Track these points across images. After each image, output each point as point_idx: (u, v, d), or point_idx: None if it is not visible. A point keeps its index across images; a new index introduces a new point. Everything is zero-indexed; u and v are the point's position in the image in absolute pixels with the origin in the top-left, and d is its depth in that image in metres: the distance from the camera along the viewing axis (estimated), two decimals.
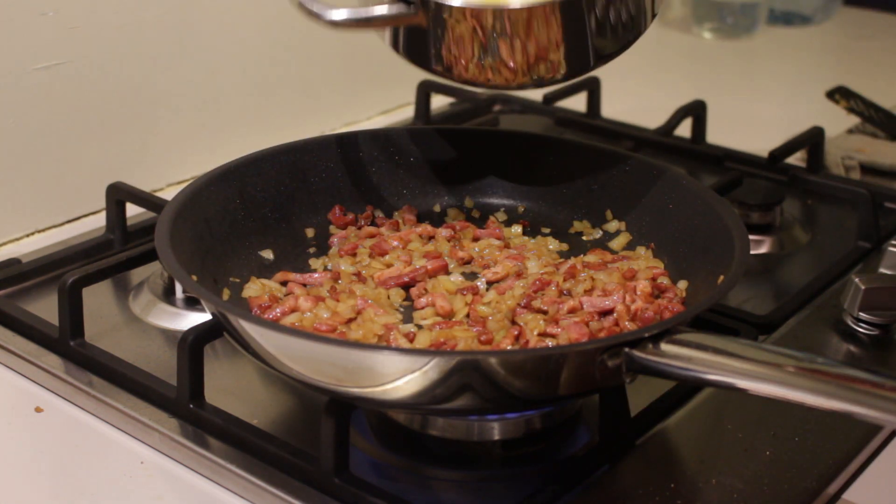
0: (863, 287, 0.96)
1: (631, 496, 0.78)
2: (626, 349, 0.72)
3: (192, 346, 0.83)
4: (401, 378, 0.71)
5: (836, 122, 1.45)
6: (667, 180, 0.96)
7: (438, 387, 0.71)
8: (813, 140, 1.29)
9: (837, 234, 1.19)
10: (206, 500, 0.79)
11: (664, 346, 0.72)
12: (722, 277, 0.81)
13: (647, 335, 0.72)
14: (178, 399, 0.85)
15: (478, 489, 0.80)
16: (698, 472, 0.80)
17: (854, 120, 1.46)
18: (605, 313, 0.86)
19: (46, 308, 0.97)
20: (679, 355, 0.71)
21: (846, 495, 0.81)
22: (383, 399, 0.75)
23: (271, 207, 0.97)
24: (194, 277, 0.82)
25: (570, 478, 0.78)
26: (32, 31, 1.10)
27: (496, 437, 0.83)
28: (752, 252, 1.14)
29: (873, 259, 1.11)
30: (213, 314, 0.81)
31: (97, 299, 1.00)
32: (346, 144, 1.02)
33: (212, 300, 0.77)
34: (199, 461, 0.81)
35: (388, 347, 0.80)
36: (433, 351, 0.79)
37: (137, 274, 1.04)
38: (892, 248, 1.04)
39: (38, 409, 0.88)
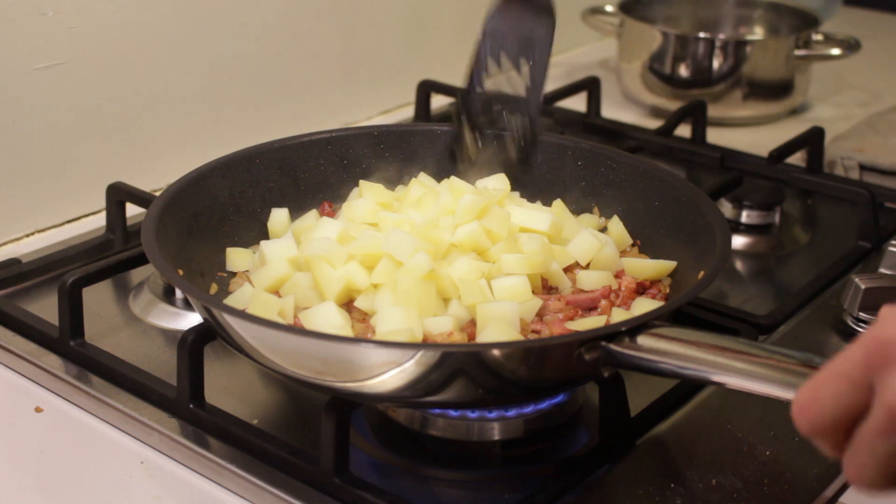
0: (863, 287, 0.96)
1: (631, 496, 0.78)
2: (603, 343, 0.72)
3: (192, 346, 0.83)
4: (386, 372, 0.71)
5: (837, 122, 1.45)
6: (651, 177, 0.96)
7: (421, 381, 0.72)
8: (813, 140, 1.29)
9: (837, 234, 1.19)
10: (206, 500, 0.79)
11: (641, 340, 0.72)
12: (703, 273, 0.81)
13: (623, 329, 0.72)
14: (178, 399, 0.85)
15: (478, 489, 0.80)
16: (698, 472, 0.80)
17: (855, 120, 1.46)
18: (590, 309, 0.86)
19: (46, 308, 0.97)
20: (655, 349, 0.71)
21: (845, 497, 0.81)
22: (371, 392, 0.75)
23: (260, 203, 0.97)
24: (181, 272, 0.82)
25: (570, 478, 0.78)
26: (32, 31, 1.10)
27: (496, 437, 0.83)
28: (751, 252, 1.15)
29: (873, 259, 1.11)
30: (196, 309, 0.81)
31: (97, 299, 1.00)
32: (336, 142, 1.02)
33: (194, 292, 0.77)
34: (199, 461, 0.81)
35: (368, 340, 0.79)
36: (418, 344, 0.78)
37: (137, 274, 1.04)
38: (892, 248, 1.04)
39: (38, 409, 0.88)
